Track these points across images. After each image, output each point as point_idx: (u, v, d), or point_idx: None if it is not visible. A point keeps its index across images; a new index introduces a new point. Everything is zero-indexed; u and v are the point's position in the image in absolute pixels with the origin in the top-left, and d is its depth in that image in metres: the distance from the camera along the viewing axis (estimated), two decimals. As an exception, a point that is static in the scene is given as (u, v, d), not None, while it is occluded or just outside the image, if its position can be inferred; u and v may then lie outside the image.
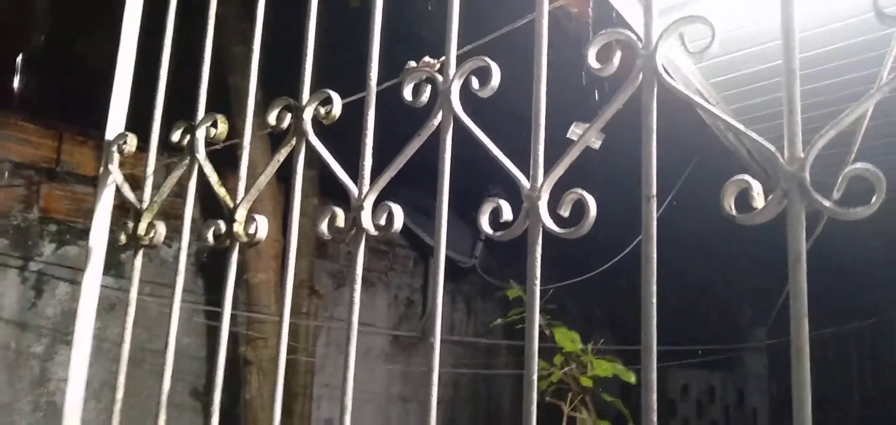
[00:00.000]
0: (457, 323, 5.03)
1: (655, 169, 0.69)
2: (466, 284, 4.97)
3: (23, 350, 2.82)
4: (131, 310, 1.19)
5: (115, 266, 2.94)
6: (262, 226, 1.02)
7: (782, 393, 6.29)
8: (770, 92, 2.08)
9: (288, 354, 3.44)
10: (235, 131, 1.13)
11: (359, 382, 3.83)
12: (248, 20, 2.73)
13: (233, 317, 3.68)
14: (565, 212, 0.74)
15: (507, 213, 0.78)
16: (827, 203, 0.59)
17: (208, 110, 1.11)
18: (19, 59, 2.67)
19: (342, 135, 1.17)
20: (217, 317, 3.70)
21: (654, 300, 0.67)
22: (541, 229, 0.75)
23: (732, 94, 2.17)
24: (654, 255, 0.68)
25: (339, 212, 0.93)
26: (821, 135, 0.60)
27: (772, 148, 0.62)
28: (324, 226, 0.93)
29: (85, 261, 1.27)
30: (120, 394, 1.20)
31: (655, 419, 0.66)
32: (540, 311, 2.09)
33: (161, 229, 1.17)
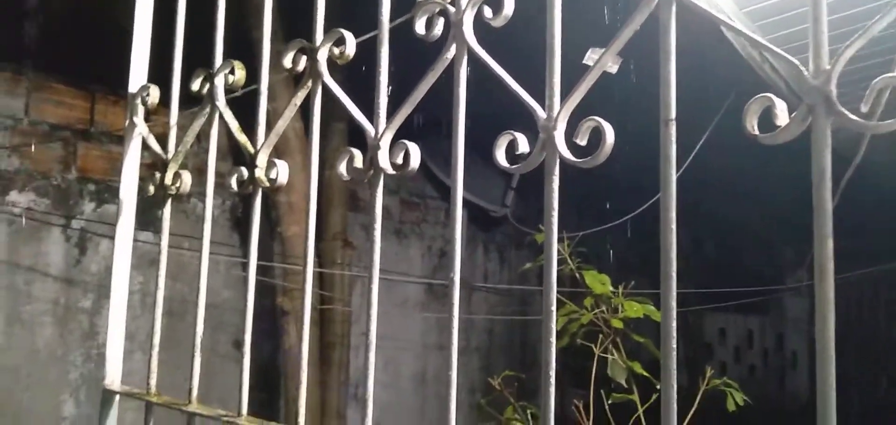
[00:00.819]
0: (490, 271, 5.05)
1: (674, 92, 0.66)
2: (499, 233, 4.97)
3: (71, 305, 2.94)
4: (163, 258, 1.22)
5: (154, 222, 3.02)
6: (282, 171, 1.03)
7: (824, 335, 6.16)
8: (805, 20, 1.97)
9: (324, 305, 3.53)
10: (258, 81, 1.12)
11: (396, 331, 3.92)
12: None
13: (269, 269, 3.77)
14: (582, 141, 0.72)
15: (524, 146, 0.77)
16: (854, 117, 0.56)
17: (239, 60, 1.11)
18: (50, 21, 2.71)
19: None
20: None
21: (674, 227, 0.65)
22: (557, 160, 0.73)
23: (768, 23, 2.07)
24: (674, 180, 0.66)
25: (357, 153, 0.92)
26: (848, 45, 0.57)
27: (795, 61, 0.59)
28: (342, 167, 0.93)
29: (111, 218, 1.31)
30: (156, 339, 1.24)
31: (674, 345, 0.65)
32: (570, 256, 2.07)
33: (186, 178, 1.19)
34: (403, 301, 4.34)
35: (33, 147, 2.76)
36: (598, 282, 1.86)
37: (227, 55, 1.12)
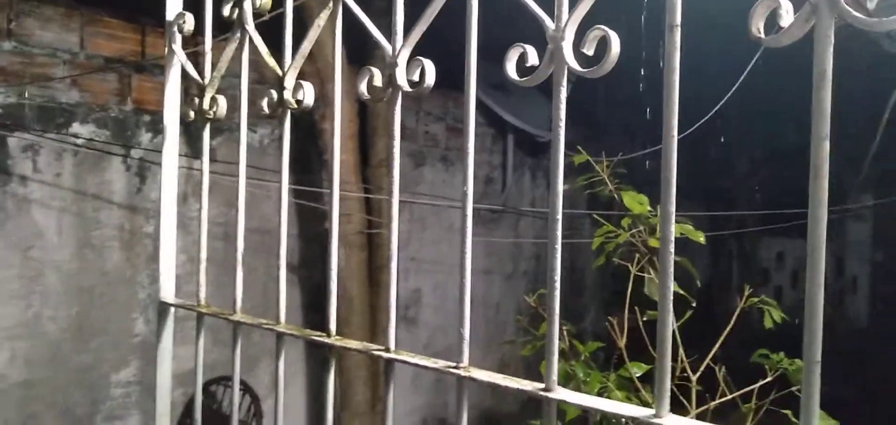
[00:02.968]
0: (538, 197, 5.05)
1: (680, -4, 0.65)
2: (546, 158, 4.93)
3: (136, 230, 3.12)
4: (205, 179, 1.29)
5: (211, 151, 3.14)
6: (308, 93, 1.06)
7: (888, 260, 5.95)
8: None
9: (372, 229, 3.61)
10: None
11: (443, 256, 3.99)
12: None
13: (319, 196, 3.87)
14: (589, 51, 0.72)
15: (533, 59, 0.77)
16: (858, 14, 0.55)
17: None
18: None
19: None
20: (304, 196, 3.91)
21: (675, 133, 0.66)
22: (565, 71, 0.74)
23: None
24: (676, 89, 0.66)
25: (376, 72, 0.94)
26: (856, -62, 0.55)
27: (800, -42, 0.58)
28: (363, 86, 0.96)
29: (162, 139, 1.38)
30: (204, 255, 1.32)
31: (672, 250, 0.66)
32: (609, 177, 2.05)
33: (222, 103, 1.24)
34: (449, 226, 4.40)
35: (90, 80, 2.88)
36: (635, 202, 1.85)
37: None
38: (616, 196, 1.91)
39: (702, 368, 1.77)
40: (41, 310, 2.83)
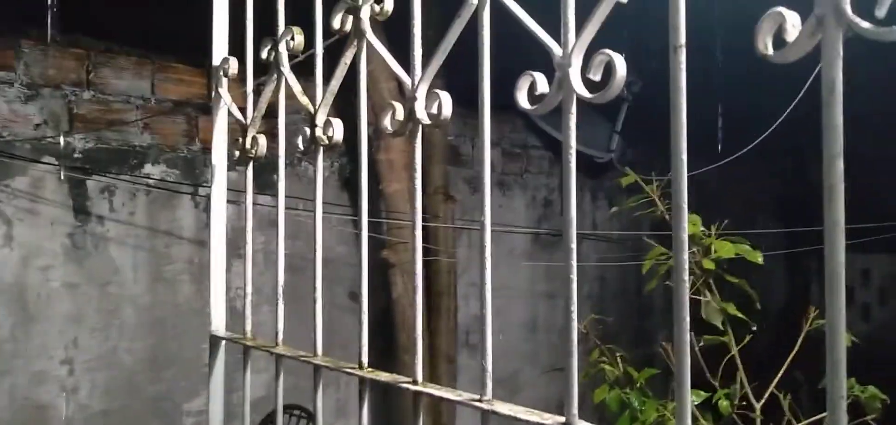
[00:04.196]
0: (599, 219, 4.95)
1: (684, 15, 0.64)
2: (607, 180, 4.84)
3: (204, 264, 3.25)
4: (249, 212, 1.34)
5: (271, 186, 3.27)
6: (337, 129, 1.09)
7: None
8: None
9: (429, 257, 3.65)
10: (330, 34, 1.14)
11: (504, 280, 3.97)
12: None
13: (378, 225, 3.93)
14: (596, 76, 0.71)
15: (543, 87, 0.77)
16: (867, 24, 0.52)
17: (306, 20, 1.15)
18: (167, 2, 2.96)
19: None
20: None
21: (684, 158, 0.64)
22: (574, 97, 0.73)
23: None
24: (684, 109, 0.64)
25: (399, 106, 0.96)
26: (860, -55, 0.52)
27: (803, -31, 0.55)
28: (387, 122, 0.97)
29: (211, 177, 1.44)
30: (249, 289, 1.37)
31: (686, 278, 0.64)
32: (659, 198, 1.99)
33: (262, 142, 1.29)
34: (509, 250, 4.38)
35: (161, 123, 3.06)
36: (689, 223, 1.78)
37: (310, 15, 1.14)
38: (666, 217, 1.85)
39: (766, 395, 1.68)
40: (118, 343, 2.99)
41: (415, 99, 0.92)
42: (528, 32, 0.78)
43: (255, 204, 3.34)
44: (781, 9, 0.57)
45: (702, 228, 1.74)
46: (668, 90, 0.66)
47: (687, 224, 0.64)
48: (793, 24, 0.56)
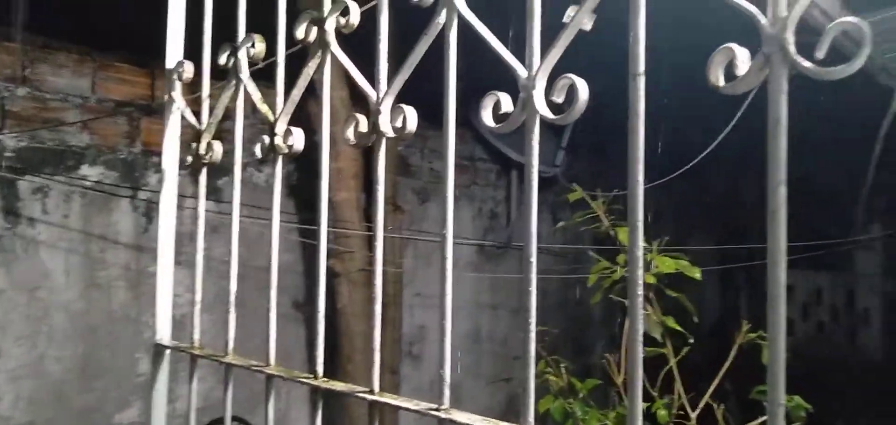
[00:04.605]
0: (543, 232, 5.05)
1: (643, 46, 0.68)
2: (551, 194, 4.95)
3: (142, 270, 3.15)
4: (201, 221, 1.32)
5: (214, 191, 3.19)
6: (298, 139, 1.09)
7: (902, 292, 5.88)
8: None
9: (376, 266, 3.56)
10: (293, 44, 1.14)
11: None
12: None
13: (326, 234, 3.89)
14: (559, 98, 0.74)
15: (507, 106, 0.80)
16: (808, 64, 0.57)
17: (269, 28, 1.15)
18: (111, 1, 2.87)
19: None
20: (309, 235, 3.92)
21: (641, 178, 0.68)
22: (537, 118, 0.76)
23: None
24: (642, 134, 0.68)
25: (362, 118, 0.97)
26: (803, -8, 0.57)
27: (753, 9, 0.60)
28: (349, 133, 0.98)
29: (161, 181, 1.41)
30: (198, 297, 1.34)
31: (641, 292, 0.67)
32: (604, 213, 2.06)
33: (218, 148, 1.27)
34: (455, 261, 4.40)
35: (100, 123, 2.95)
36: (631, 238, 1.85)
37: (270, 23, 1.14)
38: (611, 233, 1.92)
39: (701, 405, 1.76)
40: (46, 351, 2.86)
41: (379, 112, 0.93)
42: (493, 53, 0.81)
43: (195, 208, 3.26)
44: (732, 45, 0.62)
45: (644, 244, 1.81)
46: (613, 109, 0.71)
47: (641, 242, 0.68)
48: (742, 59, 0.61)
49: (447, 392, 0.87)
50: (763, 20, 0.59)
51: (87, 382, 2.98)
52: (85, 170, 2.93)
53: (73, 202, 2.91)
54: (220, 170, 1.18)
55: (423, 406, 0.88)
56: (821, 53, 0.57)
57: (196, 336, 1.31)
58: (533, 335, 0.78)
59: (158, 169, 3.20)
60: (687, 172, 4.15)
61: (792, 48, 0.57)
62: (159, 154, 3.13)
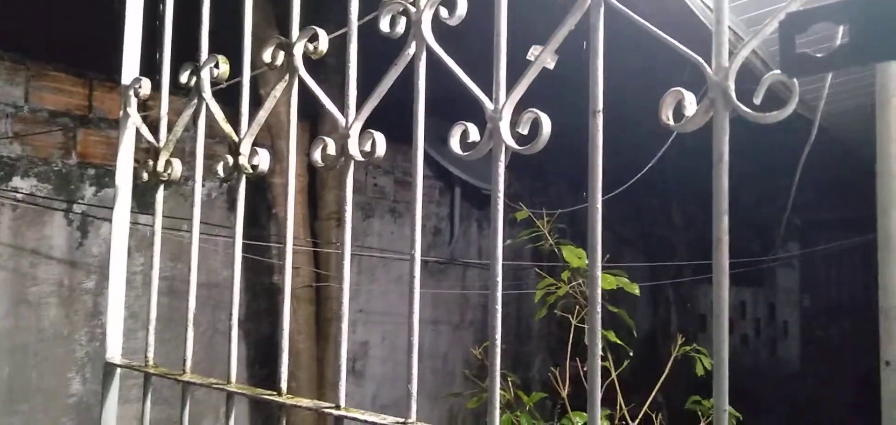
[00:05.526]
0: (485, 248, 5.14)
1: (602, 85, 0.74)
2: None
3: (75, 286, 3.04)
4: (157, 240, 1.31)
5: (148, 205, 3.12)
6: (263, 159, 1.11)
7: (815, 304, 6.28)
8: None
9: (320, 282, 3.61)
10: (256, 68, 1.17)
11: (392, 307, 4.02)
12: (259, -41, 2.78)
13: (267, 249, 3.85)
14: (524, 130, 0.80)
15: (474, 135, 0.85)
16: (746, 110, 0.64)
17: (234, 50, 1.17)
18: (47, 7, 2.77)
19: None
20: (251, 250, 3.86)
21: (599, 206, 0.74)
22: (503, 148, 0.82)
23: (742, 3, 2.13)
24: (600, 166, 0.74)
25: (330, 141, 1.00)
26: (744, 45, 0.65)
27: (700, 60, 0.67)
28: (317, 155, 1.01)
29: (111, 201, 1.39)
30: (153, 315, 1.33)
31: (599, 310, 0.73)
32: (550, 232, 2.14)
33: (177, 166, 1.27)
34: (398, 277, 4.43)
35: (34, 134, 2.84)
36: (574, 256, 1.94)
37: (228, 42, 1.17)
38: (556, 250, 2.01)
39: (640, 415, 1.85)
40: (-30, 371, 2.72)
41: (348, 136, 0.97)
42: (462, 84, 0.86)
43: (135, 224, 3.19)
44: (681, 89, 0.70)
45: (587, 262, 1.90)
46: (557, 131, 0.78)
47: (599, 266, 0.74)
48: (690, 102, 0.69)
49: (414, 406, 0.91)
50: (708, 69, 0.66)
51: (13, 404, 2.84)
52: (16, 181, 2.81)
53: (2, 215, 2.78)
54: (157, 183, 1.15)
55: (390, 420, 0.92)
56: (758, 100, 0.65)
57: (150, 354, 1.30)
58: (498, 351, 0.83)
59: (95, 181, 3.10)
60: (621, 192, 4.33)
61: (733, 94, 0.65)
62: (97, 165, 3.05)
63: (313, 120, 3.47)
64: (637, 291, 1.84)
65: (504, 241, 0.91)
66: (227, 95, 1.27)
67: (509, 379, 1.98)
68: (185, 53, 1.25)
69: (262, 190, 3.44)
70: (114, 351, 1.39)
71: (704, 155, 0.67)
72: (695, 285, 6.06)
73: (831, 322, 5.98)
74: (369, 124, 0.95)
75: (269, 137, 3.15)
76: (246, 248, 3.72)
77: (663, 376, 1.82)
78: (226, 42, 1.22)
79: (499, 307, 0.82)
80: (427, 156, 4.65)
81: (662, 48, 0.73)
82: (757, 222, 5.76)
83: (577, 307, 1.93)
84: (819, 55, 0.54)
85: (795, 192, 4.09)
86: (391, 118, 1.03)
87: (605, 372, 1.85)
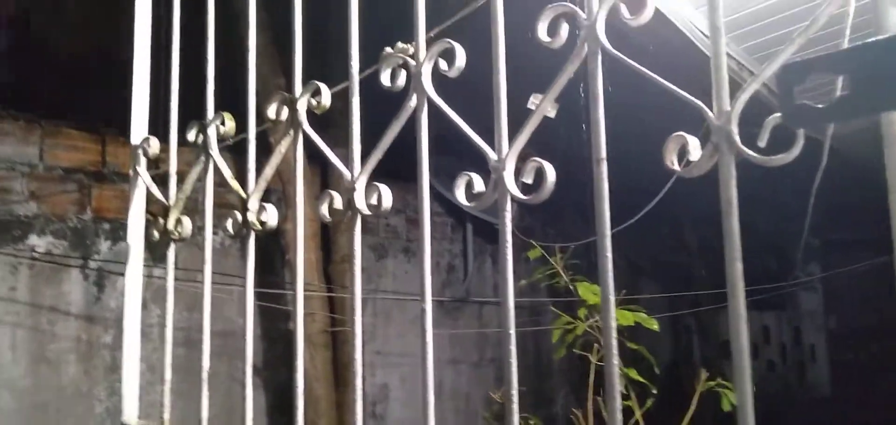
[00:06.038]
0: (499, 284, 5.10)
1: (603, 132, 0.74)
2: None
3: (93, 341, 3.05)
4: (170, 297, 1.31)
5: (163, 257, 3.14)
6: (271, 215, 1.11)
7: (842, 327, 6.14)
8: (782, 25, 2.05)
9: (337, 327, 3.60)
10: (262, 121, 1.17)
11: (409, 348, 3.99)
12: (265, 9, 2.83)
13: (282, 296, 3.85)
14: (528, 179, 0.80)
15: (479, 186, 0.84)
16: (751, 152, 0.63)
17: (239, 102, 1.18)
18: (59, 67, 2.84)
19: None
20: (266, 298, 3.87)
21: (609, 254, 0.73)
22: (508, 197, 0.81)
23: (745, 31, 2.13)
24: (607, 213, 0.73)
25: (336, 195, 1.00)
26: (744, 89, 0.64)
27: (701, 105, 0.67)
28: (324, 209, 1.01)
29: (126, 256, 1.40)
30: (168, 374, 1.33)
31: (616, 357, 0.72)
32: (564, 269, 2.12)
33: (187, 224, 1.28)
34: (414, 318, 4.41)
35: (49, 192, 2.88)
36: (590, 292, 1.92)
37: (239, 87, 1.17)
38: (571, 287, 1.98)
39: (664, 454, 1.80)
40: (-10, 432, 2.72)
41: (354, 189, 0.97)
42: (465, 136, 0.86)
43: (150, 276, 3.20)
44: (684, 133, 0.69)
45: (603, 299, 1.87)
46: (568, 165, 0.76)
47: (614, 313, 0.72)
48: (693, 145, 0.68)
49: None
50: (710, 114, 0.66)
51: (34, 463, 2.84)
52: (33, 239, 2.84)
53: (19, 274, 2.81)
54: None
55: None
56: (762, 142, 0.64)
57: (166, 416, 1.29)
58: (515, 394, 0.81)
59: (110, 235, 3.13)
60: (640, 225, 4.30)
61: (736, 138, 0.64)
62: (111, 220, 3.08)
63: (323, 165, 3.49)
64: (656, 327, 1.81)
65: (518, 279, 0.90)
66: (237, 146, 1.27)
67: (531, 422, 1.95)
68: (197, 104, 1.27)
69: (274, 236, 3.46)
70: (130, 413, 1.39)
71: (716, 177, 0.66)
72: (715, 313, 5.96)
73: (861, 344, 5.85)
74: (378, 165, 0.95)
75: (281, 183, 3.17)
76: (261, 295, 3.72)
77: (689, 413, 1.78)
78: (238, 88, 1.23)
79: (514, 360, 0.80)
80: (437, 194, 4.65)
81: (670, 78, 0.72)
82: (775, 244, 5.67)
83: (596, 345, 1.90)
84: (819, 106, 0.53)
85: (812, 214, 4.03)
86: (400, 159, 1.03)
87: (629, 411, 1.81)
